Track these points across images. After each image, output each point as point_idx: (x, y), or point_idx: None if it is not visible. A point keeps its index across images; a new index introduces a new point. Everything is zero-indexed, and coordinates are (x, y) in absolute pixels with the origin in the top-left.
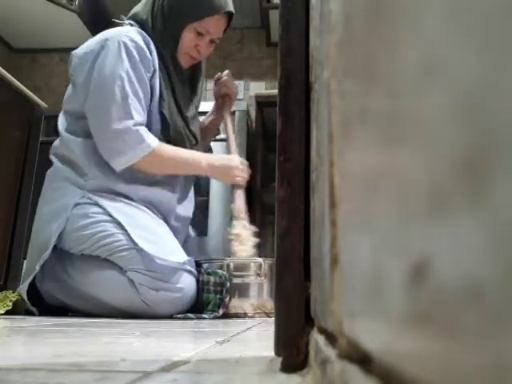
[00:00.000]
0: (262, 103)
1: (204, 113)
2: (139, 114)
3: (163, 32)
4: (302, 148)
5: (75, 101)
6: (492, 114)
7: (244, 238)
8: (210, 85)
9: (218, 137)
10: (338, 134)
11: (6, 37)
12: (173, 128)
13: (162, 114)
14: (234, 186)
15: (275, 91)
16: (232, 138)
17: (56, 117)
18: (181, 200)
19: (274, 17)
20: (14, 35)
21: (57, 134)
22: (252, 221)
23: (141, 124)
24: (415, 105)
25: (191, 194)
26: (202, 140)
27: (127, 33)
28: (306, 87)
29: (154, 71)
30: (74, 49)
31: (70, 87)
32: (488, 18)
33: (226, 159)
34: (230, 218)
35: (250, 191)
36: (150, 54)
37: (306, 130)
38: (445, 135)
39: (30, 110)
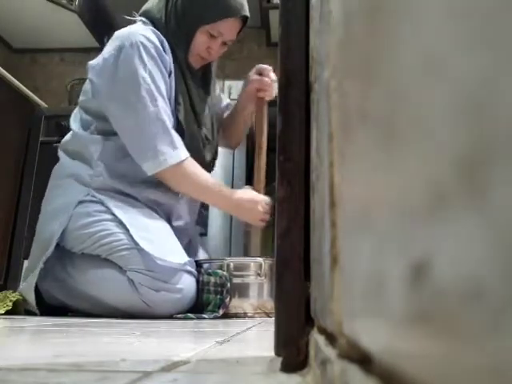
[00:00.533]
0: None
1: None
2: (168, 118)
3: (177, 31)
4: (302, 148)
5: (95, 102)
6: (492, 113)
7: None
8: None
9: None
10: (338, 134)
11: (6, 37)
12: (187, 132)
13: (177, 117)
14: (247, 224)
15: None
16: (262, 172)
17: (56, 117)
18: (185, 202)
19: (274, 17)
20: (14, 35)
21: (57, 133)
22: None
23: (171, 127)
24: (415, 105)
25: None
26: (226, 136)
27: (142, 32)
28: (306, 87)
29: (171, 72)
30: (74, 49)
31: (87, 85)
32: (488, 18)
33: (252, 194)
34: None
35: None
36: (166, 53)
37: (306, 130)
38: (445, 135)
39: (29, 110)
